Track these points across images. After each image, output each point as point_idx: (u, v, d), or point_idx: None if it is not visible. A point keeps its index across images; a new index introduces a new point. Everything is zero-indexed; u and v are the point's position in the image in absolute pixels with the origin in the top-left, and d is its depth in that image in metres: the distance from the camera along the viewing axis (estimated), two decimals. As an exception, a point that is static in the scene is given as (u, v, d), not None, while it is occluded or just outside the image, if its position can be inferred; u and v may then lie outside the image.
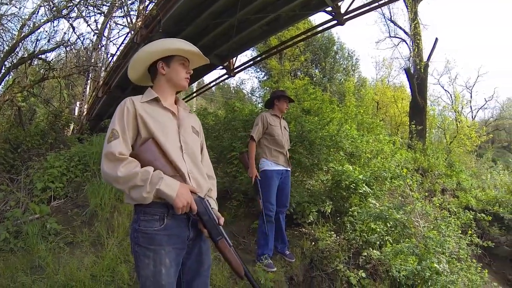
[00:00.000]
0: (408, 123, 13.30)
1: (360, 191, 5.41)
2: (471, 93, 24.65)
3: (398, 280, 4.64)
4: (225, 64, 11.27)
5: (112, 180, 1.82)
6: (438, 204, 6.18)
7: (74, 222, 4.96)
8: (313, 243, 5.07)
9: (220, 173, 6.67)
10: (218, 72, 12.22)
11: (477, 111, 26.35)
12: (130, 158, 1.84)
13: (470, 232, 5.74)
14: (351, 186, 5.43)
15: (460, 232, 5.74)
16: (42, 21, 8.69)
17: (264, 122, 4.65)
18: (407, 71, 14.11)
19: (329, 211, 5.39)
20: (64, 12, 8.29)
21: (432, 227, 5.43)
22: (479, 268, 5.74)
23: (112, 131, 1.89)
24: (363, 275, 4.54)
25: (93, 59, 11.82)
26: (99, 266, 3.86)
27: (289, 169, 4.78)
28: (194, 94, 16.64)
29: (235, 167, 6.59)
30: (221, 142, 7.63)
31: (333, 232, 5.20)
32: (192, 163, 2.07)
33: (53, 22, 8.66)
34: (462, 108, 22.57)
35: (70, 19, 8.48)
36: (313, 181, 6.18)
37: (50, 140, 7.68)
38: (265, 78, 23.77)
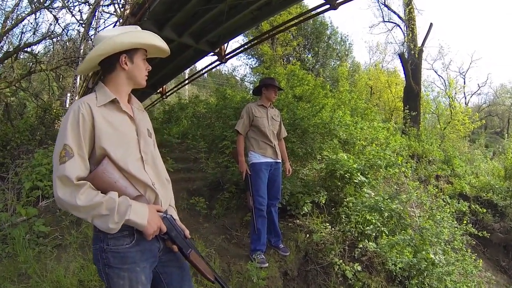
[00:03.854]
0: (402, 108, 13.20)
1: (355, 180, 5.29)
2: (464, 79, 24.79)
3: (394, 273, 4.56)
4: (216, 50, 11.07)
5: (70, 209, 1.58)
6: (433, 193, 6.06)
7: (62, 222, 4.78)
8: (307, 235, 4.96)
9: (211, 163, 6.51)
10: (209, 59, 12.03)
11: (470, 96, 26.43)
12: (89, 183, 1.60)
13: (465, 221, 5.65)
14: (346, 175, 5.30)
15: (454, 221, 5.66)
16: (25, 13, 8.42)
17: (249, 114, 4.50)
18: (401, 56, 13.97)
19: (324, 202, 5.27)
20: (47, 3, 8.00)
21: (427, 216, 5.34)
22: (473, 257, 5.72)
23: (64, 147, 1.60)
24: (359, 268, 4.46)
25: (81, 50, 11.51)
26: (87, 271, 3.68)
27: (279, 160, 4.62)
28: (186, 81, 16.30)
29: (226, 157, 6.43)
30: (213, 131, 7.47)
31: (328, 224, 5.09)
32: (154, 173, 1.88)
33: (36, 14, 8.39)
34: (455, 93, 22.64)
35: (54, 10, 8.20)
36: (307, 171, 6.03)
37: (39, 136, 7.40)
38: (257, 64, 23.46)
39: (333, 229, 5.02)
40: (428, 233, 4.76)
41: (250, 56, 23.67)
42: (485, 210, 6.78)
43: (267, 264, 4.26)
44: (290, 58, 21.93)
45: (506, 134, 17.96)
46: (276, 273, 4.32)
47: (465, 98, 25.39)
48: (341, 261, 4.51)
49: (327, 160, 5.67)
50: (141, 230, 1.67)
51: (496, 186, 9.34)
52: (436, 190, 6.71)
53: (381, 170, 5.64)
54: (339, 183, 5.42)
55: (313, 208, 5.27)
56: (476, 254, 8.17)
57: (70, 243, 4.36)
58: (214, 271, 1.94)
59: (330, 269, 4.52)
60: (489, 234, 6.66)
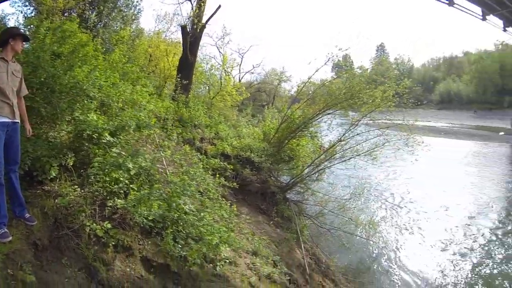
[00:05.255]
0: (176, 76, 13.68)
1: (104, 140, 5.21)
2: (242, 58, 27.50)
3: (148, 226, 4.79)
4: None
5: None
6: (190, 152, 6.56)
7: None
8: (56, 200, 4.65)
9: None
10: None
11: (245, 74, 29.81)
12: None
13: (218, 176, 6.37)
14: (94, 136, 5.16)
15: (208, 174, 6.30)
16: None
17: None
18: (183, 28, 14.32)
19: (72, 164, 5.03)
20: None
21: (182, 172, 5.75)
22: (228, 205, 6.56)
23: None
24: (109, 226, 4.48)
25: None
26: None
27: (17, 120, 4.18)
28: None
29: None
30: None
31: (77, 186, 4.86)
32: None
33: None
34: (232, 69, 25.03)
35: None
36: (55, 133, 5.60)
37: None
38: (33, 14, 20.21)
39: (82, 191, 4.85)
40: (176, 186, 5.14)
41: (27, 3, 20.16)
42: (231, 167, 7.74)
43: (10, 238, 3.86)
44: (72, 13, 19.76)
45: (267, 106, 20.82)
46: (24, 245, 3.97)
47: (240, 74, 28.45)
48: (91, 221, 4.44)
49: (76, 121, 5.40)
50: None
51: (254, 147, 10.87)
52: (194, 150, 7.31)
53: (131, 130, 5.70)
54: (87, 144, 5.25)
55: (62, 172, 4.97)
56: (238, 202, 9.55)
57: None
58: None
59: (82, 232, 4.40)
60: (238, 185, 7.83)
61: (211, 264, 5.32)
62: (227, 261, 5.68)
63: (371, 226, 12.44)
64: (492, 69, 63.47)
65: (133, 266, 4.47)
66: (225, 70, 18.77)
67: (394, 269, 12.38)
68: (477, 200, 20.43)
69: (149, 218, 4.76)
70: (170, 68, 14.95)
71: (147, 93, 8.49)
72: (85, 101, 5.93)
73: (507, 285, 11.70)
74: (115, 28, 20.72)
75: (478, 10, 39.86)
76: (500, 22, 42.62)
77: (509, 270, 12.82)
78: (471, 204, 19.67)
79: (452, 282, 11.86)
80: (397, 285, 11.48)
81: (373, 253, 13.02)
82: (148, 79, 10.67)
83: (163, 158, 5.66)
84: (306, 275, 8.89)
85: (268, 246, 8.06)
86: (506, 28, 43.32)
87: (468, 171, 26.76)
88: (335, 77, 13.90)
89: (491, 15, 40.55)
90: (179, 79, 11.93)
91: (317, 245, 11.77)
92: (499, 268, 12.93)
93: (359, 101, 11.40)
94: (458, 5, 38.43)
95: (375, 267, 12.42)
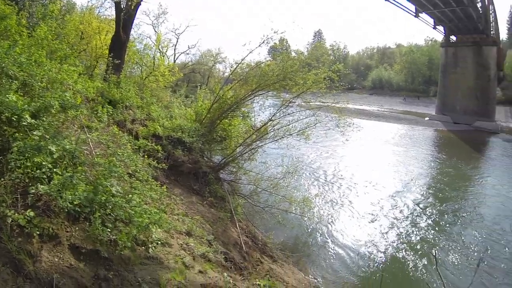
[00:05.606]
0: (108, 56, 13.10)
1: (24, 123, 4.91)
2: (177, 39, 26.93)
3: (74, 211, 4.62)
4: None
5: None
6: (117, 133, 6.41)
7: None
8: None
9: None
10: None
11: (180, 54, 29.25)
12: None
13: (146, 156, 6.29)
14: (13, 118, 4.84)
15: (137, 156, 6.20)
16: None
17: None
18: (116, 4, 13.56)
19: (-12, 151, 4.70)
20: None
21: (109, 154, 5.60)
22: (158, 186, 6.50)
23: None
24: (32, 214, 4.23)
25: None
26: None
27: None
28: None
29: None
30: None
31: (-5, 176, 4.58)
32: None
33: None
34: (167, 50, 24.37)
35: None
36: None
37: None
38: None
39: (2, 179, 4.57)
40: (103, 168, 5.01)
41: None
42: (159, 148, 7.66)
43: None
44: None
45: (200, 87, 20.58)
46: None
47: (175, 55, 27.80)
48: (12, 211, 4.19)
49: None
50: None
51: (186, 127, 10.81)
52: (125, 132, 7.14)
53: (53, 111, 5.42)
54: (6, 128, 4.92)
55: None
56: (170, 183, 9.50)
57: None
58: None
59: (3, 223, 4.12)
60: (167, 165, 7.80)
61: (143, 247, 5.27)
62: (160, 242, 5.64)
63: (305, 202, 12.99)
64: (421, 61, 68.48)
65: (61, 255, 4.30)
66: (159, 50, 18.22)
67: (329, 242, 13.12)
68: (402, 176, 22.12)
69: (75, 202, 4.56)
70: (103, 47, 14.23)
71: (76, 72, 8.05)
72: (3, 81, 5.51)
73: (428, 249, 12.89)
74: (44, 1, 19.24)
75: (412, 7, 42.62)
76: (431, 20, 45.85)
77: (430, 236, 14.15)
78: (397, 180, 21.26)
79: (381, 250, 12.84)
80: (332, 257, 12.19)
81: (308, 228, 13.66)
82: (79, 58, 10.08)
83: (89, 140, 5.47)
84: (243, 253, 9.12)
85: (202, 226, 8.16)
86: (436, 26, 46.69)
87: (395, 151, 28.78)
88: (271, 59, 14.09)
89: (424, 13, 43.51)
90: (111, 59, 11.44)
91: (252, 223, 12.10)
92: (422, 235, 14.22)
93: (291, 82, 11.70)
94: (394, 0, 40.78)
95: (311, 242, 13.06)
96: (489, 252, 12.99)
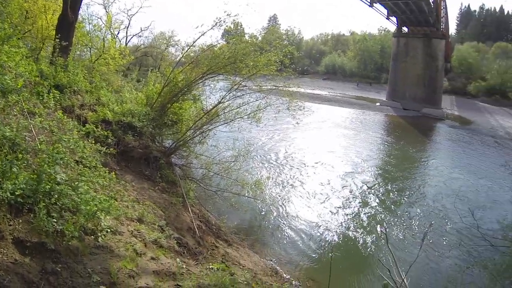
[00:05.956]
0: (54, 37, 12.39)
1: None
2: (130, 20, 25.72)
3: (16, 203, 4.42)
4: None
5: None
6: (63, 118, 6.17)
7: None
8: None
9: None
10: None
11: (132, 37, 28.11)
12: None
13: (93, 143, 6.10)
14: None
15: (84, 142, 6.00)
16: None
17: None
18: None
19: None
20: None
21: (54, 140, 5.39)
22: (107, 172, 6.35)
23: None
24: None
25: None
26: None
27: None
28: None
29: None
30: None
31: None
32: None
33: None
34: (119, 32, 23.36)
35: None
36: None
37: None
38: None
39: None
40: (46, 155, 4.81)
41: None
42: (106, 133, 7.47)
43: None
44: None
45: (151, 70, 19.95)
46: None
47: (127, 37, 26.73)
48: None
49: None
50: None
51: (136, 112, 10.58)
52: (74, 117, 6.88)
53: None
54: None
55: None
56: (121, 169, 9.29)
57: None
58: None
59: None
60: (116, 150, 7.62)
61: (92, 236, 5.16)
62: (109, 230, 5.55)
63: (257, 185, 13.22)
64: (374, 49, 70.98)
65: (4, 251, 4.11)
66: (110, 32, 17.45)
67: (282, 223, 13.51)
68: (352, 158, 23.09)
69: (17, 193, 4.36)
70: (49, 27, 13.39)
71: (18, 54, 7.57)
72: None
73: (377, 227, 13.62)
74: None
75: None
76: (385, 11, 47.23)
77: (379, 215, 15.01)
78: (347, 161, 22.18)
79: (332, 229, 13.39)
80: (286, 239, 12.57)
81: (261, 211, 13.96)
82: (24, 39, 9.43)
83: (31, 126, 5.22)
84: (197, 238, 9.16)
85: (154, 211, 8.12)
86: (389, 17, 48.14)
87: (346, 134, 29.86)
88: (224, 43, 13.99)
89: (378, 3, 44.69)
90: (58, 40, 10.83)
91: (205, 207, 12.16)
92: (371, 214, 15.02)
93: (242, 64, 11.73)
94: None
95: (265, 224, 13.38)
96: (432, 227, 13.95)
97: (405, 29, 48.65)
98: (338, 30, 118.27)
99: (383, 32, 75.97)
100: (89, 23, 16.85)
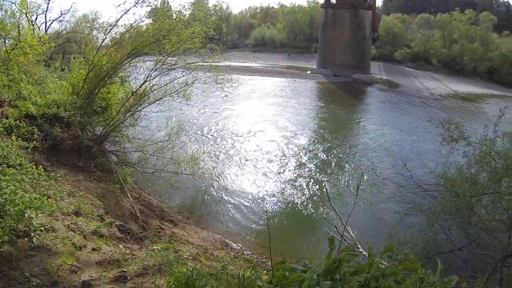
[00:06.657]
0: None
1: None
2: (48, 3, 23.52)
3: None
4: None
5: None
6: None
7: None
8: None
9: None
10: None
11: (52, 22, 25.85)
12: None
13: (14, 137, 5.82)
14: None
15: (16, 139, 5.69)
16: None
17: None
18: None
19: None
20: None
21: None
22: (34, 169, 6.10)
23: None
24: None
25: None
26: None
27: None
28: None
29: None
30: None
31: None
32: None
33: None
34: (36, 17, 21.35)
35: None
36: None
37: None
38: None
39: None
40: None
41: None
42: (27, 128, 7.14)
43: None
44: None
45: (73, 56, 18.80)
46: None
47: (46, 23, 24.61)
48: None
49: None
50: None
51: (61, 102, 10.10)
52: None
53: None
54: None
55: None
56: (52, 165, 8.91)
57: None
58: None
59: None
60: (54, 145, 7.30)
61: (25, 238, 5.00)
62: (43, 229, 5.41)
63: (193, 161, 13.31)
64: (303, 21, 72.55)
65: None
66: (27, 18, 15.94)
67: (224, 196, 13.88)
68: (285, 124, 24.03)
69: None
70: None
71: None
72: None
73: (316, 190, 14.36)
74: None
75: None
76: None
77: (317, 175, 15.83)
78: (278, 127, 23.08)
79: (275, 195, 13.97)
80: (230, 210, 12.94)
81: (201, 186, 14.21)
82: None
83: None
84: (140, 222, 9.17)
85: (91, 202, 8.01)
86: None
87: (278, 102, 30.73)
88: (151, 21, 13.55)
89: None
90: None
91: (145, 190, 12.09)
92: (309, 175, 15.83)
93: (166, 40, 11.55)
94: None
95: (207, 199, 13.65)
96: (367, 180, 15.07)
97: (333, 0, 49.74)
98: (267, 3, 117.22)
99: (312, 3, 77.46)
100: (0, 9, 15.36)
